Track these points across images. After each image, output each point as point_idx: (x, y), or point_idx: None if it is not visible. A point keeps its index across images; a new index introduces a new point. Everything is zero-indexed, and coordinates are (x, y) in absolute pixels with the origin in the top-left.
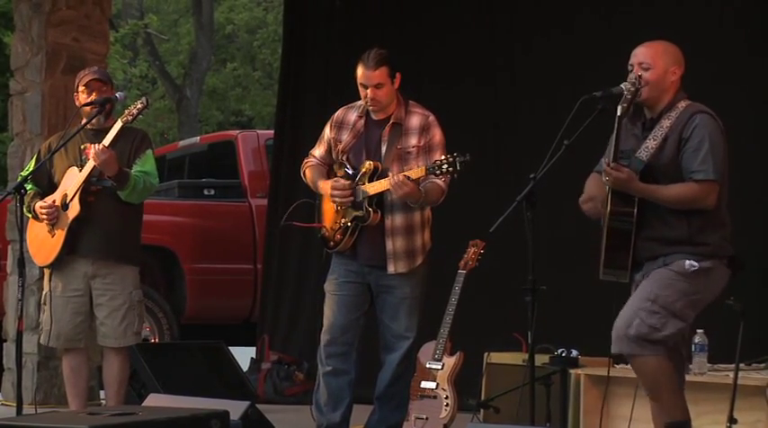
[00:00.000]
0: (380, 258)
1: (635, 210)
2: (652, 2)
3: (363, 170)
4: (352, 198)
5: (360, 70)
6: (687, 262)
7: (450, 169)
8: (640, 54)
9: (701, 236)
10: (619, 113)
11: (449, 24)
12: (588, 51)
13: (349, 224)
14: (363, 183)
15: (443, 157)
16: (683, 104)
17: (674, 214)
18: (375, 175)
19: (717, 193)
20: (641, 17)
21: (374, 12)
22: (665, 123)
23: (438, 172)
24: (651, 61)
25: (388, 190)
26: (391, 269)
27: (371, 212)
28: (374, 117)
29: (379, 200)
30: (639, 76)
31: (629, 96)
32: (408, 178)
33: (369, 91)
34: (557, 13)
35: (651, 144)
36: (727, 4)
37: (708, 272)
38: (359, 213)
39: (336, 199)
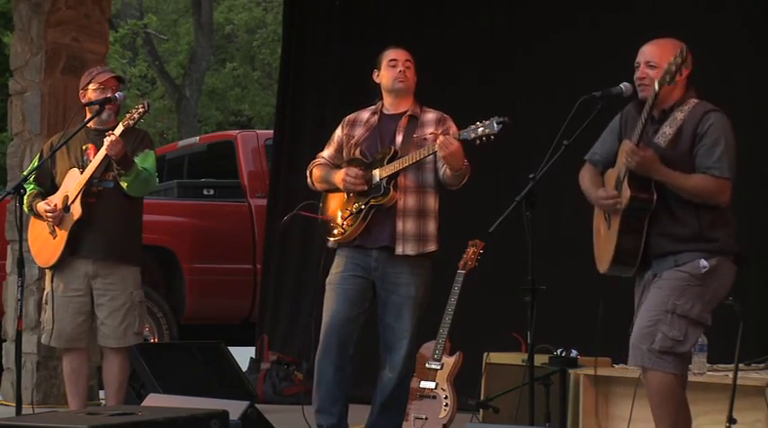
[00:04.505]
0: (390, 239)
1: (654, 196)
2: (656, 1)
3: (380, 156)
4: (365, 187)
5: (388, 52)
6: (701, 262)
7: (487, 131)
8: (648, 52)
9: (710, 232)
10: (656, 89)
11: (448, 24)
12: (589, 51)
13: (362, 207)
14: (382, 166)
15: (479, 121)
16: (693, 101)
17: (685, 210)
18: (393, 160)
19: (730, 191)
20: (643, 17)
21: (373, 12)
22: (679, 115)
23: (473, 135)
24: (658, 60)
25: (405, 169)
26: (399, 250)
27: (390, 190)
28: (388, 112)
29: (394, 182)
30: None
31: (669, 77)
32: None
33: (400, 66)
34: (557, 13)
35: (668, 130)
36: (731, 4)
37: (718, 270)
38: (377, 193)
39: (349, 186)
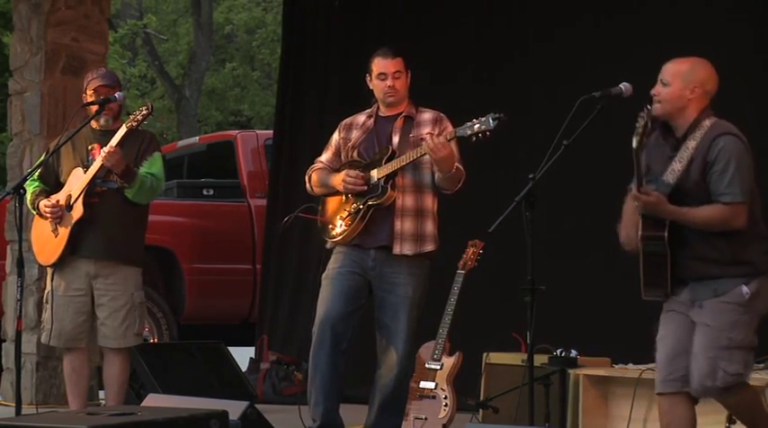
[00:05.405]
0: (388, 239)
1: (665, 234)
2: (656, 1)
3: (378, 156)
4: (364, 187)
5: (377, 62)
6: (743, 289)
7: (483, 127)
8: (665, 69)
9: (744, 253)
10: (634, 145)
11: (447, 24)
12: (588, 51)
13: (361, 207)
14: (380, 167)
15: (474, 118)
16: (707, 123)
17: (714, 233)
18: (391, 160)
19: (746, 214)
20: (643, 17)
21: (373, 12)
22: (691, 144)
23: (469, 132)
24: (670, 78)
25: (403, 168)
26: (397, 249)
27: (388, 189)
28: (383, 114)
29: (392, 182)
30: (648, 109)
31: (640, 130)
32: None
33: (388, 80)
34: (556, 13)
35: (677, 166)
36: (730, 3)
37: (760, 292)
38: (375, 193)
39: (349, 187)
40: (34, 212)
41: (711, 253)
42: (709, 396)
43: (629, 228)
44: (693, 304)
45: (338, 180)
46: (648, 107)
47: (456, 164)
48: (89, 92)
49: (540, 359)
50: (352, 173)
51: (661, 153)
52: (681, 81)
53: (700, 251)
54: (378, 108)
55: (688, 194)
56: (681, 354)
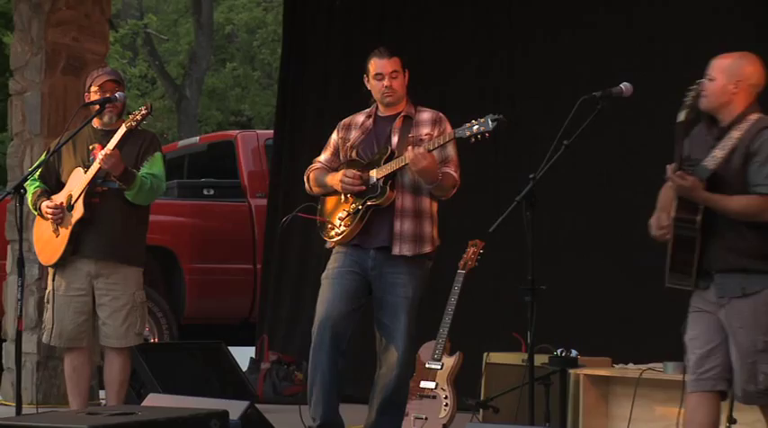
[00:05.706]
0: (387, 239)
1: (698, 218)
2: (656, 0)
3: (378, 157)
4: (363, 187)
5: (374, 62)
6: None
7: (482, 128)
8: (711, 64)
9: None
10: (680, 119)
11: (448, 23)
12: (589, 50)
13: (360, 207)
14: (379, 167)
15: (473, 119)
16: (753, 117)
17: (748, 223)
18: (390, 160)
19: None
20: (644, 16)
21: (373, 12)
22: (735, 134)
23: (468, 133)
24: (715, 74)
25: (402, 169)
26: (396, 250)
27: (387, 189)
28: (382, 114)
29: (391, 182)
30: (699, 84)
31: (689, 102)
32: (428, 151)
33: (386, 80)
34: (557, 12)
35: (718, 153)
36: (732, 1)
37: None
38: (374, 193)
39: (347, 187)
40: (35, 213)
41: (740, 243)
42: (753, 401)
43: (661, 213)
44: (721, 301)
45: (336, 179)
46: (699, 83)
47: (446, 170)
48: (94, 89)
49: (541, 359)
50: (350, 173)
51: (704, 141)
52: (724, 76)
53: (729, 240)
54: (376, 108)
55: (725, 182)
56: (712, 354)
